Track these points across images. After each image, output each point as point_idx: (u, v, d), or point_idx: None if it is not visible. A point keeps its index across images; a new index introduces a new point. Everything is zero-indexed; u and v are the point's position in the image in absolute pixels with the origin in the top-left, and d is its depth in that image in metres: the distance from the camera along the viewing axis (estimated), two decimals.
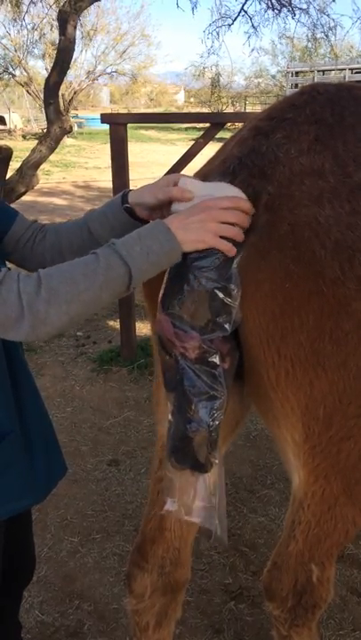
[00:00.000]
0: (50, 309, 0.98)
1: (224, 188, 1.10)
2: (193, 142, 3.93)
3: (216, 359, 1.12)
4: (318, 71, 20.84)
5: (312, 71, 20.36)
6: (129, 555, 1.57)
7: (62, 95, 15.48)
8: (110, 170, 3.83)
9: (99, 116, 3.97)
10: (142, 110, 29.80)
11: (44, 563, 2.29)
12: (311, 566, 1.33)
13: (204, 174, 1.26)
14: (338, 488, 1.22)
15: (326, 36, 6.26)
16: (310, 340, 1.07)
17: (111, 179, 3.82)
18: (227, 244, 1.06)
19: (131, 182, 3.88)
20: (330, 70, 21.00)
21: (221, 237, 1.06)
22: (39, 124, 21.13)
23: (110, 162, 3.80)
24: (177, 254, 1.06)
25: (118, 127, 3.71)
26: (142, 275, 1.05)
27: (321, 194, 1.07)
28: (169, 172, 3.80)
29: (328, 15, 6.08)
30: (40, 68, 18.81)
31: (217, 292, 1.07)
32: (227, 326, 1.09)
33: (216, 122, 3.91)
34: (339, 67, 18.98)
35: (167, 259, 1.06)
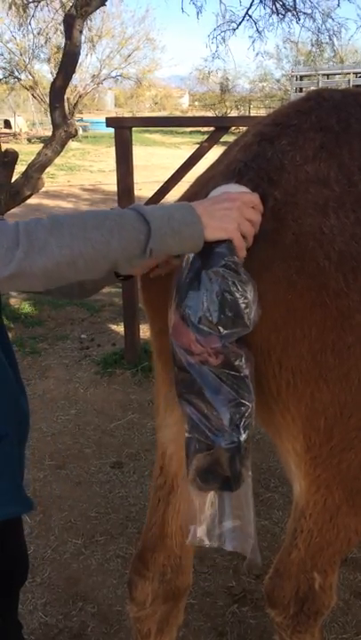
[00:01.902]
0: (50, 238, 0.89)
1: (233, 188, 1.09)
2: (197, 146, 3.94)
3: (242, 362, 1.06)
4: (323, 75, 20.85)
5: (316, 75, 20.37)
6: (130, 562, 1.57)
7: (67, 99, 15.50)
8: (115, 173, 3.84)
9: (103, 120, 3.99)
10: (147, 114, 29.87)
11: (48, 564, 2.30)
12: (313, 574, 1.33)
13: (207, 179, 1.26)
14: (340, 498, 1.22)
15: (331, 40, 6.28)
16: (312, 352, 1.06)
17: (116, 182, 3.84)
18: (242, 241, 1.03)
19: (135, 185, 3.89)
20: (334, 74, 20.99)
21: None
22: (44, 128, 21.20)
23: (115, 165, 3.82)
24: (199, 232, 1.00)
25: (123, 131, 3.72)
26: (161, 238, 0.96)
27: (326, 203, 1.07)
28: (174, 175, 3.80)
29: (333, 19, 6.09)
30: (45, 72, 18.88)
31: (233, 289, 1.02)
32: (248, 323, 1.03)
33: (221, 125, 3.92)
34: (343, 71, 18.99)
35: (189, 232, 0.99)
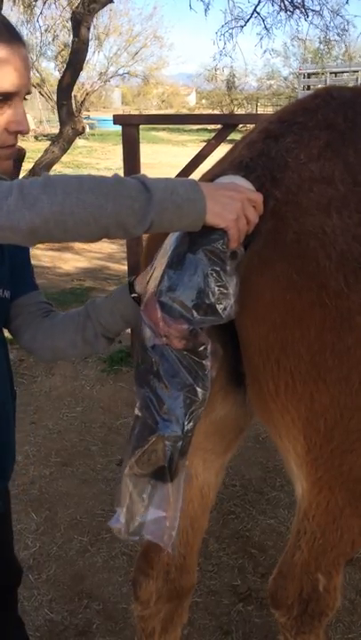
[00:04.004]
0: (42, 195, 0.87)
1: (240, 181, 1.07)
2: (204, 144, 3.93)
3: (206, 351, 1.03)
4: (331, 73, 20.75)
5: (324, 73, 20.28)
6: (135, 561, 1.57)
7: (74, 96, 15.53)
8: (122, 171, 3.85)
9: (110, 118, 3.99)
10: (154, 112, 29.85)
11: (53, 561, 2.30)
12: (317, 575, 1.32)
13: (212, 175, 1.25)
14: (343, 500, 1.21)
15: (340, 37, 6.25)
16: (311, 352, 1.05)
17: None
18: (238, 234, 1.02)
19: None
20: (342, 72, 20.89)
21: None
22: (51, 125, 21.21)
23: (122, 163, 3.82)
24: (201, 210, 0.97)
25: (130, 128, 3.72)
26: (161, 210, 0.93)
27: (329, 202, 1.06)
28: (180, 173, 3.80)
29: (342, 16, 6.06)
30: (52, 70, 18.89)
31: (216, 277, 0.99)
32: (222, 314, 1.01)
33: (228, 123, 3.91)
34: (352, 68, 18.89)
35: (190, 207, 0.96)
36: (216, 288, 0.99)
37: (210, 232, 1.00)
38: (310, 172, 1.08)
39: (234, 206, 0.99)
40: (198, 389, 1.04)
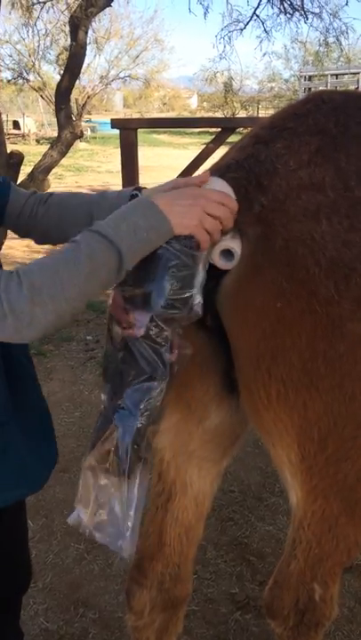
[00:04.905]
0: (35, 309, 0.91)
1: (213, 182, 1.07)
2: (204, 146, 3.92)
3: (166, 337, 1.03)
4: (331, 75, 20.74)
5: (325, 75, 20.27)
6: (128, 570, 1.55)
7: (76, 100, 15.58)
8: (120, 175, 3.84)
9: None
10: (155, 115, 29.89)
11: (50, 569, 2.28)
12: (313, 585, 1.30)
13: None
14: (338, 508, 1.19)
15: (338, 40, 6.24)
16: (303, 360, 1.04)
17: (121, 184, 3.83)
18: (206, 236, 1.02)
19: (142, 186, 3.88)
20: (343, 74, 20.89)
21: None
22: (53, 129, 21.25)
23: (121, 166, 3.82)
24: (166, 229, 0.99)
25: (129, 132, 3.72)
26: (132, 255, 0.98)
27: (318, 209, 1.04)
28: (180, 176, 3.80)
29: (340, 19, 6.05)
30: (54, 73, 18.93)
31: (175, 272, 1.00)
32: (183, 307, 1.01)
33: (227, 126, 3.90)
34: (352, 70, 18.87)
35: (156, 234, 0.99)
36: (178, 283, 1.00)
37: (181, 236, 1.01)
38: (299, 178, 1.07)
39: (193, 212, 1.00)
40: (155, 382, 1.04)
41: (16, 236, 1.38)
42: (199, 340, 1.17)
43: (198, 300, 1.02)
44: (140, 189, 1.21)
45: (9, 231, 1.32)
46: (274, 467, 2.96)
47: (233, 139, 3.93)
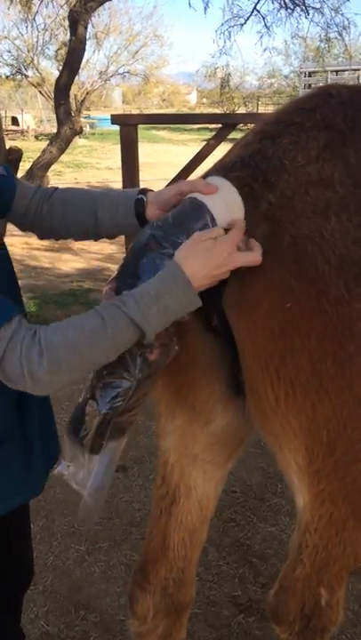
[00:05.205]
0: (52, 378, 0.97)
1: (219, 183, 1.04)
2: (205, 143, 3.89)
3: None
4: (332, 71, 20.68)
5: (325, 71, 20.21)
6: (131, 575, 1.52)
7: (75, 96, 15.52)
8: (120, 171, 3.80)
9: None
10: (154, 111, 29.83)
11: (50, 571, 2.25)
12: (320, 590, 1.28)
13: (206, 175, 1.21)
14: (346, 512, 1.17)
15: (340, 35, 6.19)
16: (312, 361, 1.01)
17: (122, 180, 3.79)
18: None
19: (141, 183, 3.84)
20: (343, 70, 20.83)
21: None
22: (52, 125, 21.20)
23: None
24: (196, 303, 1.01)
25: (129, 128, 3.68)
26: (156, 332, 1.01)
27: (327, 206, 1.01)
28: (180, 174, 3.76)
29: (342, 14, 6.01)
30: (52, 69, 18.87)
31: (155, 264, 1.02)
32: None
33: (228, 123, 3.87)
34: (352, 67, 18.83)
35: (186, 310, 1.02)
36: None
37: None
38: (307, 174, 1.04)
39: (224, 274, 1.02)
40: (124, 381, 1.06)
41: (16, 233, 1.36)
42: (204, 341, 1.15)
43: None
44: (145, 193, 1.19)
45: (9, 228, 1.29)
46: (276, 467, 2.95)
47: (234, 135, 3.91)
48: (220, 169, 1.09)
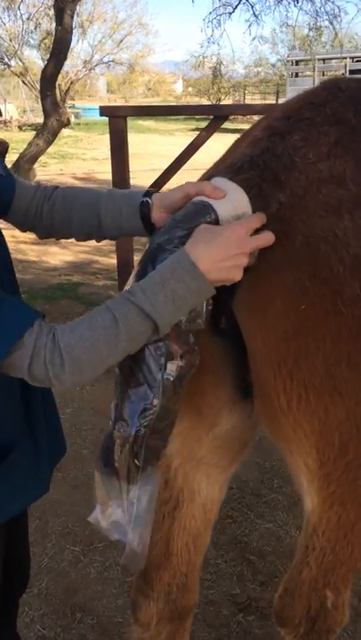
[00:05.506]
0: (75, 378, 0.99)
1: (225, 185, 1.00)
2: (192, 132, 3.84)
3: (163, 345, 1.01)
4: (319, 60, 20.59)
5: (312, 60, 20.12)
6: (133, 581, 1.49)
7: (59, 85, 15.29)
8: (109, 161, 3.73)
9: (96, 107, 3.88)
10: (140, 100, 29.58)
11: (45, 574, 2.22)
12: (326, 592, 1.27)
13: (211, 176, 1.17)
14: (355, 514, 1.16)
15: (331, 23, 6.13)
16: (327, 364, 0.99)
17: (111, 172, 3.72)
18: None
19: (130, 174, 3.77)
20: (331, 59, 20.77)
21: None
22: (35, 115, 20.92)
23: (110, 154, 3.70)
24: (208, 292, 0.98)
25: (118, 120, 3.61)
26: (170, 322, 0.98)
27: (340, 203, 0.98)
28: (172, 165, 3.70)
29: (333, 2, 5.94)
30: (36, 58, 18.60)
31: None
32: (201, 322, 1.02)
33: (219, 114, 3.81)
34: (339, 55, 18.76)
35: (197, 297, 0.98)
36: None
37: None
38: (319, 172, 1.00)
39: (238, 268, 0.97)
40: (148, 389, 1.03)
41: (1, 225, 1.30)
42: (212, 345, 1.12)
43: (203, 318, 1.02)
44: (149, 194, 1.15)
45: (2, 225, 1.23)
46: (272, 462, 2.93)
47: (225, 124, 3.84)
48: (229, 169, 1.05)
